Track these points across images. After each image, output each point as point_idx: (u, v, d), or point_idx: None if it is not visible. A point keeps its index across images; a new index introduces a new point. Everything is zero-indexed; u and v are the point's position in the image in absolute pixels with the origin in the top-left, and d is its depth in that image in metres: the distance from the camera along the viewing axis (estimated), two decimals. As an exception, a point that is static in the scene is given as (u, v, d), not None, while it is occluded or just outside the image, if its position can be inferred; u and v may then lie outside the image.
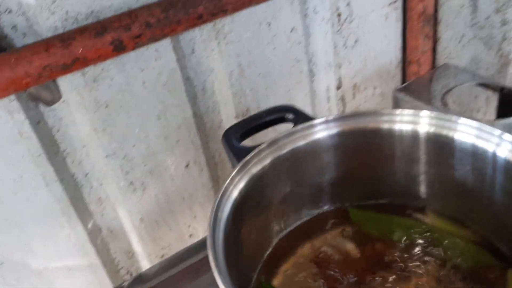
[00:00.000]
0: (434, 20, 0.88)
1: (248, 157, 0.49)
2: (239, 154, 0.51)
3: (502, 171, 0.47)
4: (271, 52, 0.78)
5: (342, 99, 0.91)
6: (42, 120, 0.63)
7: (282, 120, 0.57)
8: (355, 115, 0.53)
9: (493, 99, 0.84)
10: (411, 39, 0.91)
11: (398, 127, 0.53)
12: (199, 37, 0.71)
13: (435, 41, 0.90)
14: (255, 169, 0.50)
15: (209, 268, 0.65)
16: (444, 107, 0.68)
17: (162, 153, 0.75)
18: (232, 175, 0.48)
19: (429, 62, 0.92)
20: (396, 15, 0.89)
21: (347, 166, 0.56)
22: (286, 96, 0.84)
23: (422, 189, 0.56)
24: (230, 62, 0.75)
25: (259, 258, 0.55)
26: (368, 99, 0.95)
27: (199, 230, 0.85)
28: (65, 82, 0.63)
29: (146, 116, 0.71)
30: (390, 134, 0.53)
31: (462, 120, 0.49)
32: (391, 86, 0.97)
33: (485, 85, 0.69)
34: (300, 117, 0.56)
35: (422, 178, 0.55)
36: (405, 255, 0.53)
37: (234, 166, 0.51)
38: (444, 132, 0.50)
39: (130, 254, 0.81)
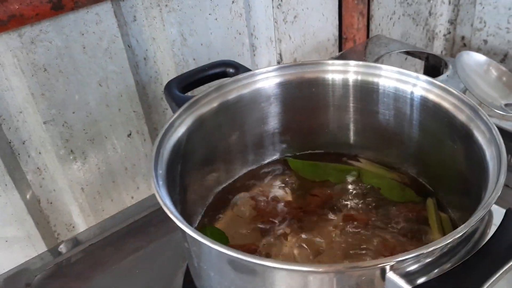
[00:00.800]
0: (368, -1, 0.93)
1: (195, 98, 0.50)
2: (181, 103, 0.52)
3: (419, 108, 0.52)
4: (213, 23, 0.79)
5: (283, 74, 0.94)
6: (-25, 82, 0.61)
7: (223, 75, 0.59)
8: (294, 65, 0.55)
9: (420, 68, 0.91)
10: (346, 16, 0.95)
11: (330, 76, 0.56)
12: (140, 4, 0.71)
13: (368, 18, 0.95)
14: (200, 111, 0.51)
15: (150, 225, 0.66)
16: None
17: (103, 121, 0.74)
18: (178, 113, 0.49)
19: (364, 38, 0.97)
20: (333, -7, 0.93)
21: (287, 116, 0.58)
22: (228, 68, 0.85)
23: (353, 137, 0.60)
24: (172, 31, 0.75)
25: (202, 203, 0.56)
26: (307, 74, 0.98)
27: (142, 201, 0.85)
28: (0, 43, 0.61)
29: (86, 82, 0.70)
30: (324, 84, 0.56)
31: (385, 67, 0.53)
32: (327, 58, 1.01)
33: (412, 53, 0.74)
34: (241, 72, 0.57)
35: (352, 126, 0.59)
36: (338, 195, 0.57)
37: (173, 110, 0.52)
38: (370, 78, 0.54)
39: (70, 226, 0.80)
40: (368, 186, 0.58)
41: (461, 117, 0.48)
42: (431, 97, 0.51)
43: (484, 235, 0.37)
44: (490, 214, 0.40)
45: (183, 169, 0.50)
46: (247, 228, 0.54)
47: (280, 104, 0.57)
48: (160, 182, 0.43)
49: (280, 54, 0.92)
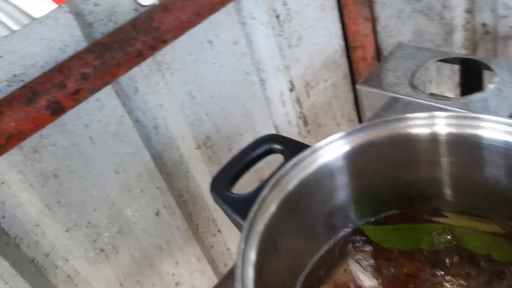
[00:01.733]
0: (369, 1, 0.86)
1: (254, 209, 0.43)
2: (236, 206, 0.45)
3: None
4: (219, 71, 0.72)
5: (297, 100, 0.87)
6: (-17, 213, 0.53)
7: (269, 152, 0.52)
8: (349, 133, 0.48)
9: (443, 68, 0.84)
10: (350, 24, 0.88)
11: (407, 131, 0.48)
12: (139, 74, 0.64)
13: (374, 21, 0.88)
14: (261, 223, 0.44)
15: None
16: (414, 91, 0.65)
17: (127, 208, 0.67)
18: (242, 239, 0.42)
19: (373, 44, 0.90)
20: (331, 3, 0.86)
21: (354, 185, 0.51)
22: (242, 112, 0.78)
23: (442, 192, 0.52)
24: (178, 92, 0.68)
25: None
26: (322, 93, 0.91)
27: (184, 276, 0.78)
28: (0, 163, 0.53)
29: (102, 174, 0.62)
30: (397, 142, 0.48)
31: (488, 117, 0.45)
32: (340, 75, 0.94)
33: (446, 60, 0.67)
34: (288, 145, 0.50)
35: (440, 180, 0.51)
36: (435, 265, 0.49)
37: (234, 222, 0.45)
38: (467, 131, 0.46)
39: (116, 323, 0.73)
40: (468, 248, 0.50)
41: None
42: None
43: None
44: None
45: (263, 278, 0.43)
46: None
47: (345, 175, 0.50)
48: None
49: (291, 82, 0.85)
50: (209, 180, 0.50)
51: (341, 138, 0.47)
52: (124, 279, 0.69)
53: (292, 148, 0.50)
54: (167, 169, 0.72)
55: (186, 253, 0.77)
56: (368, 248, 0.53)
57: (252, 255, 0.41)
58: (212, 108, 0.73)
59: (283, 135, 0.54)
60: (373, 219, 0.54)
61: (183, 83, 0.68)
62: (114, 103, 0.61)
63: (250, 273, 0.40)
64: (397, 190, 0.52)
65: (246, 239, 0.41)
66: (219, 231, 0.82)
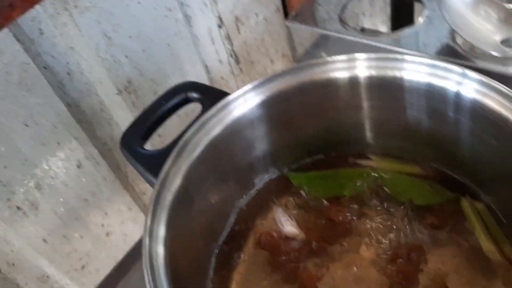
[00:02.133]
0: None
1: (165, 168, 0.40)
2: (148, 163, 0.42)
3: (467, 112, 0.42)
4: (137, 8, 0.65)
5: (227, 37, 0.82)
6: None
7: (186, 101, 0.48)
8: (269, 79, 0.44)
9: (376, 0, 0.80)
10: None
11: (326, 76, 0.45)
12: (44, 14, 0.56)
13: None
14: (175, 181, 0.41)
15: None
16: (344, 27, 0.62)
17: (43, 162, 0.62)
18: (153, 196, 0.39)
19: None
20: None
21: (276, 133, 0.48)
22: (167, 52, 0.73)
23: (363, 135, 0.51)
24: (91, 33, 0.61)
25: (205, 262, 0.48)
26: (253, 29, 0.86)
27: (115, 226, 0.76)
28: None
29: (9, 129, 0.57)
30: (317, 87, 0.45)
31: (410, 58, 0.42)
32: (271, 9, 0.89)
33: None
34: (207, 94, 0.46)
35: (363, 124, 0.49)
36: (358, 209, 0.49)
37: (148, 181, 0.42)
38: (388, 73, 0.43)
39: (44, 277, 0.70)
40: (391, 191, 0.49)
41: None
42: (485, 101, 0.41)
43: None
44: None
45: (176, 233, 0.41)
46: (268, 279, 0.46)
47: (267, 122, 0.47)
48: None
49: (220, 17, 0.80)
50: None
51: (259, 85, 0.44)
52: (48, 235, 0.66)
53: (211, 97, 0.46)
54: (87, 118, 0.67)
55: (116, 203, 0.74)
56: (292, 195, 0.52)
57: (161, 230, 0.39)
58: (132, 49, 0.68)
59: (203, 81, 0.51)
60: (297, 165, 0.53)
61: (96, 23, 0.61)
62: (15, 49, 0.54)
63: (160, 251, 0.38)
64: (320, 135, 0.51)
65: (154, 210, 0.38)
66: (150, 177, 0.79)
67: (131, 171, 0.77)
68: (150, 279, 0.35)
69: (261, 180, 0.52)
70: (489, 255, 0.45)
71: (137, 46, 0.68)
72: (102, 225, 0.75)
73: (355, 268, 0.46)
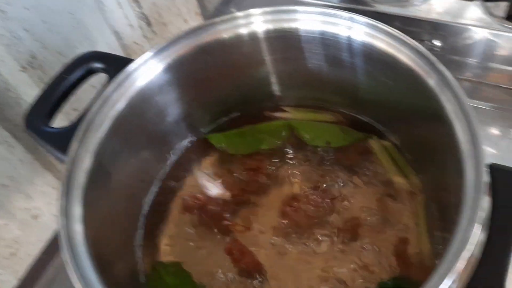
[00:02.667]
0: None
1: (73, 147, 0.39)
2: (57, 142, 0.40)
3: (361, 54, 0.44)
4: (29, -24, 0.61)
5: (135, 0, 0.79)
6: None
7: (90, 72, 0.46)
8: (174, 41, 0.43)
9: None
10: None
11: (227, 34, 0.45)
12: None
13: None
14: (87, 157, 0.40)
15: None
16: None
17: (-51, 153, 0.58)
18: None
19: None
20: None
21: (187, 96, 0.48)
22: (71, 21, 0.69)
23: (273, 89, 0.51)
24: (-20, 8, 0.57)
25: (132, 233, 0.48)
26: (161, -12, 0.83)
27: (42, 208, 0.73)
28: None
29: None
30: (220, 46, 0.45)
31: (301, 8, 0.43)
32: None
33: None
34: (111, 62, 0.45)
35: (270, 78, 0.50)
36: (278, 160, 0.51)
37: (57, 158, 0.40)
38: (284, 25, 0.44)
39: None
40: (306, 139, 0.51)
41: (410, 63, 0.41)
42: (375, 42, 0.42)
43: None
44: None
45: (94, 212, 0.40)
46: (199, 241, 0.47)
47: (176, 87, 0.46)
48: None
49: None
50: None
51: (161, 50, 0.43)
52: (-32, 227, 0.63)
53: (115, 65, 0.45)
54: (-11, 100, 0.63)
55: (38, 185, 0.72)
56: (213, 156, 0.52)
57: (77, 208, 0.38)
58: (31, 21, 0.63)
59: (106, 51, 0.48)
60: (215, 126, 0.53)
61: (-17, -4, 0.57)
62: None
63: (78, 229, 0.37)
64: (233, 93, 0.51)
65: (67, 189, 0.37)
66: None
67: (51, 149, 0.74)
68: (71, 258, 0.35)
69: (180, 146, 0.52)
70: (398, 186, 0.48)
71: (36, 18, 0.64)
72: (27, 209, 0.72)
73: (280, 214, 0.48)
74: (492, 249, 0.32)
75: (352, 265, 0.45)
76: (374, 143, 0.50)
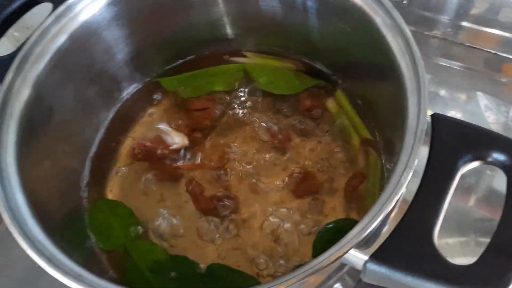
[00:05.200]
0: None
1: (8, 77, 0.37)
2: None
3: None
4: None
5: None
6: None
7: (34, 2, 0.43)
8: None
9: None
10: None
11: None
12: None
13: None
14: (25, 88, 0.38)
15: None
16: None
17: None
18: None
19: None
20: None
21: (138, 34, 0.46)
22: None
23: (229, 31, 0.50)
24: None
25: (79, 175, 0.47)
26: None
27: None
28: None
29: None
30: None
31: None
32: None
33: None
34: None
35: (224, 20, 0.48)
36: (231, 103, 0.50)
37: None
38: None
39: None
40: (258, 83, 0.50)
41: (359, 2, 0.39)
42: None
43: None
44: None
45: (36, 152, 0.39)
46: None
47: (126, 23, 0.44)
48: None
49: None
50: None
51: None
52: None
53: (61, -7, 0.42)
54: None
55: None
56: (164, 100, 0.51)
57: (11, 138, 0.37)
58: None
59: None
60: (168, 68, 0.52)
61: None
62: None
63: (9, 161, 0.36)
64: (185, 34, 0.49)
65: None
66: None
67: None
68: None
69: (129, 88, 0.50)
70: (352, 142, 0.48)
71: None
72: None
73: (231, 150, 0.49)
74: (424, 195, 0.32)
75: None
76: (331, 102, 0.50)
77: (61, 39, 0.41)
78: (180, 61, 0.52)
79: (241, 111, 0.50)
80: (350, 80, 0.49)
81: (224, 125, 0.50)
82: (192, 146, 0.49)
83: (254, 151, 0.49)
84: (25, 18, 0.47)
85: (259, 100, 0.50)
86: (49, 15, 0.40)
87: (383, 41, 0.38)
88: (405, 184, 0.31)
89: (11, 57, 0.40)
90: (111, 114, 0.50)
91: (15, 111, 0.38)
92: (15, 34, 0.72)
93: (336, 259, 0.30)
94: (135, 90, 0.51)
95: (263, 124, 0.49)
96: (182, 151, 0.49)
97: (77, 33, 0.41)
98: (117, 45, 0.46)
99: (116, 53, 0.46)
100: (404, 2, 0.60)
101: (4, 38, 0.45)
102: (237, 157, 0.48)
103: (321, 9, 0.43)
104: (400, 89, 0.37)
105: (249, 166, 0.48)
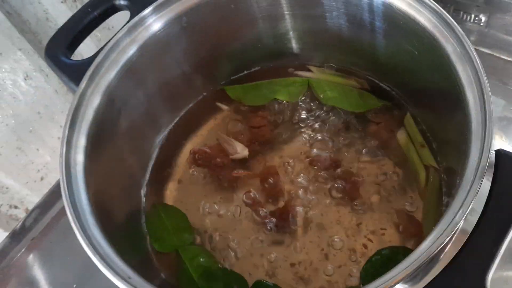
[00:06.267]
0: None
1: (85, 79, 0.40)
2: (73, 73, 0.41)
3: (381, 15, 0.41)
4: None
5: None
6: None
7: (113, 9, 0.46)
8: None
9: None
10: None
11: None
12: None
13: None
14: (98, 92, 0.41)
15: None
16: None
17: (-13, 74, 0.61)
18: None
19: None
20: None
21: (206, 46, 0.47)
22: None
23: (294, 46, 0.50)
24: None
25: (141, 177, 0.49)
26: None
27: (72, 138, 0.76)
28: None
29: None
30: None
31: None
32: None
33: None
34: (134, 1, 0.45)
35: (290, 34, 0.48)
36: (293, 115, 0.50)
37: (72, 89, 0.41)
38: None
39: (4, 188, 0.72)
40: (322, 98, 0.50)
41: (429, 27, 0.38)
42: (396, 4, 0.40)
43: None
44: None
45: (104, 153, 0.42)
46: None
47: (193, 36, 0.46)
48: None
49: None
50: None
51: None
52: (1, 147, 0.67)
53: (139, 4, 0.45)
54: (31, 28, 0.65)
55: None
56: (227, 110, 0.52)
57: (82, 140, 0.39)
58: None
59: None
60: (234, 78, 0.53)
61: None
62: None
63: (79, 159, 0.38)
64: (252, 46, 0.50)
65: (72, 120, 0.38)
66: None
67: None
68: (65, 185, 0.36)
69: (194, 96, 0.52)
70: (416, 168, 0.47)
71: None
72: (59, 138, 0.75)
73: (289, 163, 0.49)
74: (481, 236, 0.31)
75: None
76: (402, 134, 0.48)
77: (132, 49, 0.43)
78: (245, 72, 0.53)
79: (303, 130, 0.50)
80: (415, 103, 0.47)
81: (283, 141, 0.50)
82: (251, 158, 0.50)
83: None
84: (106, 20, 0.50)
85: (318, 115, 0.51)
86: (122, 27, 0.42)
87: (452, 69, 0.36)
88: (460, 222, 0.30)
89: (90, 61, 0.43)
90: (175, 120, 0.52)
91: (87, 114, 0.41)
92: (97, 34, 0.76)
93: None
94: (199, 98, 0.53)
95: (322, 153, 0.49)
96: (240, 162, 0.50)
97: (147, 44, 0.43)
98: (185, 55, 0.48)
99: (184, 62, 0.48)
100: (482, 24, 0.57)
101: (87, 38, 0.49)
102: (293, 177, 0.48)
103: (389, 30, 0.42)
104: (465, 120, 0.35)
105: (312, 197, 0.48)
